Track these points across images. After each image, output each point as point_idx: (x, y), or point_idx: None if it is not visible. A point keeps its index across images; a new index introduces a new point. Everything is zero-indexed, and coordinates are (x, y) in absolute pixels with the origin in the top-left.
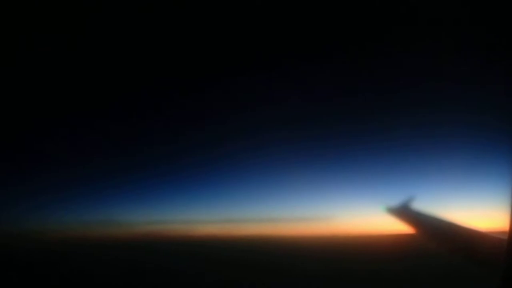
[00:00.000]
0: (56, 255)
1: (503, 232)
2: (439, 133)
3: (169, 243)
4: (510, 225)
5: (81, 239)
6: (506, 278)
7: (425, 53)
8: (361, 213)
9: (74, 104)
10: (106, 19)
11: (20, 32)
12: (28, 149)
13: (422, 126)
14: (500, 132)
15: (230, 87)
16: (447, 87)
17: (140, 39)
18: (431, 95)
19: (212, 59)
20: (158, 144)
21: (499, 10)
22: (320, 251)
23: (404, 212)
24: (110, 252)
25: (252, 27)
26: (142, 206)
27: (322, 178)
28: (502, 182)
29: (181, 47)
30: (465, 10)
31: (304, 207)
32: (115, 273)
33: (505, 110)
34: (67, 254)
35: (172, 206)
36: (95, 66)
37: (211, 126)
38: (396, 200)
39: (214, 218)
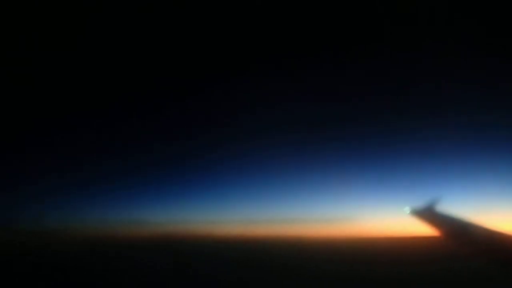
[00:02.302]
0: (76, 254)
1: None
2: (465, 135)
3: (187, 243)
4: None
5: (100, 238)
6: None
7: (443, 55)
8: (385, 215)
9: (95, 106)
10: (109, 22)
11: (20, 32)
12: (50, 150)
13: (449, 128)
14: None
15: (246, 89)
16: (472, 90)
17: (142, 41)
18: (455, 97)
19: (229, 62)
20: (178, 146)
21: (499, 10)
22: (342, 253)
23: (428, 214)
24: (128, 250)
25: (255, 29)
26: (161, 206)
27: (345, 179)
28: None
29: (187, 49)
30: (465, 10)
31: (327, 208)
32: (132, 270)
33: None
34: (87, 252)
35: (190, 206)
36: (108, 67)
37: (231, 128)
38: (420, 202)
39: (232, 219)
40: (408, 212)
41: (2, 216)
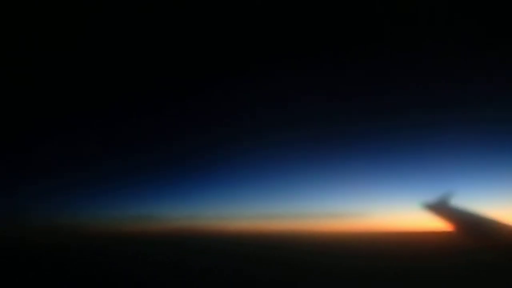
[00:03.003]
0: (93, 250)
1: None
2: (478, 129)
3: (202, 238)
4: None
5: (116, 234)
6: None
7: (455, 49)
8: (397, 209)
9: (103, 103)
10: (112, 23)
11: (20, 32)
12: (58, 147)
13: (461, 123)
14: None
15: (255, 84)
16: (486, 84)
17: (143, 41)
18: (469, 92)
19: (233, 63)
20: (187, 142)
21: (500, 10)
22: (355, 248)
23: (441, 208)
24: (143, 246)
25: (256, 30)
26: (169, 202)
27: (358, 174)
28: None
29: (193, 50)
30: (465, 10)
31: (339, 203)
32: (150, 266)
33: None
34: (102, 248)
35: (202, 202)
36: (116, 66)
37: (243, 122)
38: (433, 196)
39: (243, 214)
40: (421, 206)
41: (12, 214)
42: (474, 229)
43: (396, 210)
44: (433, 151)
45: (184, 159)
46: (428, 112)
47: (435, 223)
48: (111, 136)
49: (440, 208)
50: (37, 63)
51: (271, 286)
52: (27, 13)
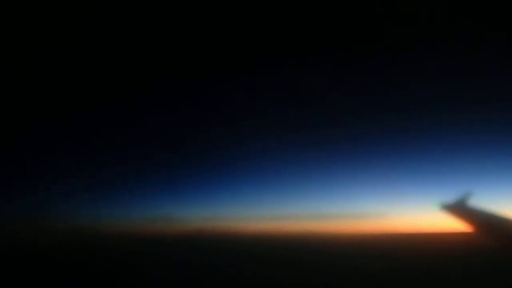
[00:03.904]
0: (109, 250)
1: None
2: (496, 130)
3: (222, 240)
4: None
5: (135, 235)
6: None
7: (477, 53)
8: (416, 211)
9: (134, 109)
10: (117, 24)
11: (20, 32)
12: (88, 148)
13: (479, 123)
14: None
15: (266, 88)
16: (505, 86)
17: (154, 44)
18: (486, 94)
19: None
20: (212, 144)
21: (500, 10)
22: (374, 249)
23: (460, 209)
24: (162, 247)
25: (258, 31)
26: (196, 202)
27: (377, 176)
28: None
29: (201, 52)
30: (466, 10)
31: (358, 204)
32: (169, 267)
33: None
34: (124, 249)
35: (222, 203)
36: (131, 66)
37: (261, 125)
38: (451, 197)
39: (267, 215)
40: (439, 207)
41: (31, 215)
42: (493, 229)
43: (414, 211)
44: (451, 152)
45: (200, 161)
46: (447, 113)
47: (454, 224)
48: (129, 139)
49: (458, 208)
50: (56, 69)
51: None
52: (27, 13)
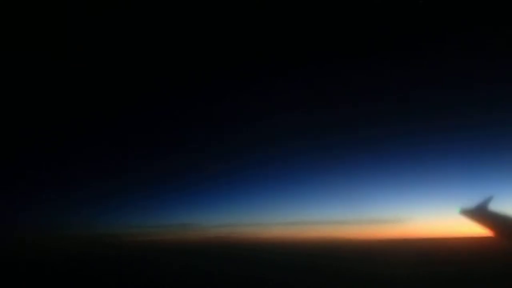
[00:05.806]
0: (128, 258)
1: None
2: None
3: (238, 247)
4: None
5: (150, 242)
6: None
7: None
8: (436, 215)
9: (156, 116)
10: (122, 26)
11: (20, 32)
12: (102, 155)
13: (501, 127)
14: None
15: (278, 92)
16: None
17: (163, 45)
18: (508, 97)
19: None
20: (227, 150)
21: (500, 10)
22: (393, 254)
23: (481, 214)
24: (179, 254)
25: (260, 33)
26: (210, 210)
27: (398, 181)
28: None
29: (212, 55)
30: (466, 10)
31: (380, 209)
32: (183, 274)
33: None
34: (137, 256)
35: (241, 210)
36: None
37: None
38: (472, 202)
39: (282, 221)
40: (460, 212)
41: (51, 223)
42: None
43: (436, 216)
44: (472, 156)
45: (217, 169)
46: (469, 116)
47: (475, 229)
48: (149, 149)
49: (479, 213)
50: (77, 77)
51: None
52: (27, 13)
